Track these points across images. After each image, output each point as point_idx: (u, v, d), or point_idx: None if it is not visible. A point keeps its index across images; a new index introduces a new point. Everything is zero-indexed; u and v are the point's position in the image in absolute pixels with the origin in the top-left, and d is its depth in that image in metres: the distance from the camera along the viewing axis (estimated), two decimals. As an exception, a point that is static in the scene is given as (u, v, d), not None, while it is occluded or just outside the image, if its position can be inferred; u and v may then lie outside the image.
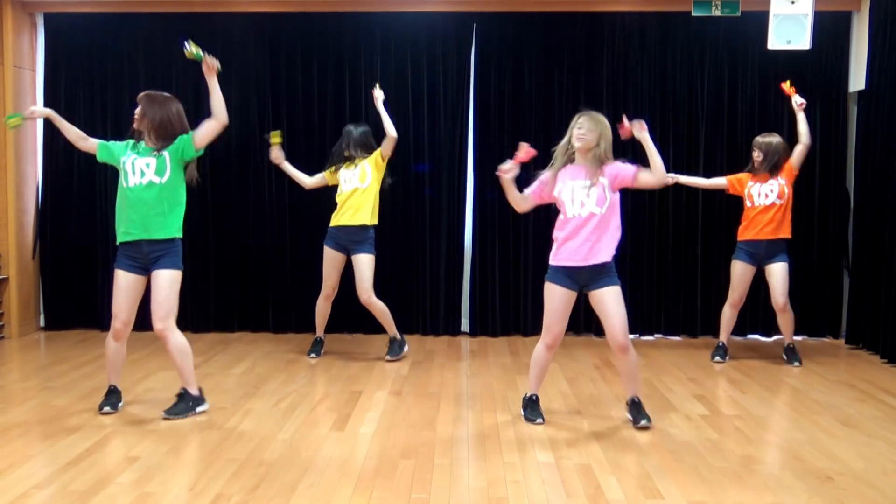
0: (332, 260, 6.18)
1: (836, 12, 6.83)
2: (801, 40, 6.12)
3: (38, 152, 7.26)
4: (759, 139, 6.09)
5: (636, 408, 4.55)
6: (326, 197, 7.08)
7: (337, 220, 6.14)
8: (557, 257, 4.44)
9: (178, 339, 4.64)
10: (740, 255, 6.10)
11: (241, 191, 7.14)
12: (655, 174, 4.33)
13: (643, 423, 4.48)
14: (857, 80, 6.81)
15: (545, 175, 4.48)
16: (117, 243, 4.66)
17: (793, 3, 6.08)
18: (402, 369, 5.93)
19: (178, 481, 3.72)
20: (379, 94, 6.21)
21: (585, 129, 4.36)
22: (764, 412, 4.89)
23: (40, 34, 7.20)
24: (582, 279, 4.41)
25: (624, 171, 4.35)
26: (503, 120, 7.06)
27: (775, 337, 6.90)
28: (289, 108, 7.11)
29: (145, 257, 4.58)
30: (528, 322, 7.12)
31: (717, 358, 6.20)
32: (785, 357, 6.16)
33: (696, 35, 6.98)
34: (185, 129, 4.66)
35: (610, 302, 4.36)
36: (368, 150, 6.15)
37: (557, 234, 4.46)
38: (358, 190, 6.07)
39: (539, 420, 4.57)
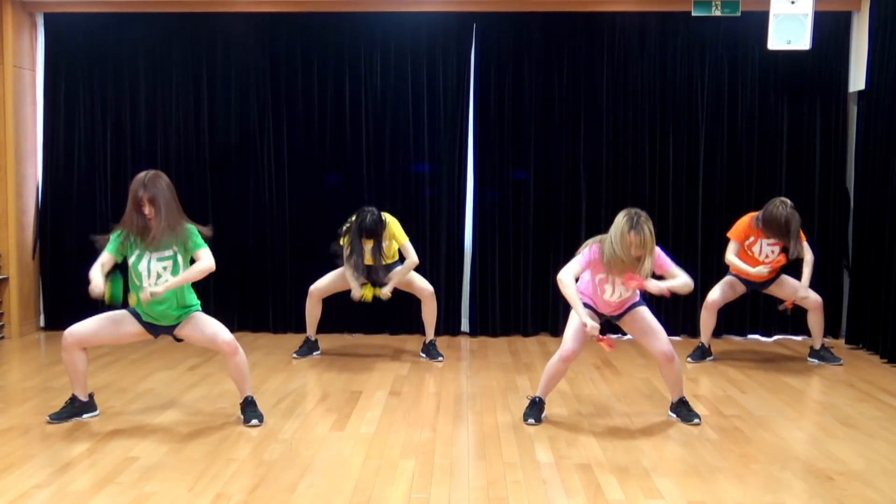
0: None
1: (836, 12, 6.83)
2: (801, 40, 6.13)
3: (38, 152, 7.25)
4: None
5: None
6: (326, 197, 7.10)
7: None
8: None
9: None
10: None
11: (241, 191, 7.14)
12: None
13: (695, 420, 4.62)
14: (857, 80, 6.81)
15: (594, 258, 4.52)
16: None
17: (793, 3, 6.09)
18: (401, 369, 5.92)
19: (178, 481, 3.72)
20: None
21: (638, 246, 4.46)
22: (764, 412, 4.89)
23: (40, 34, 7.19)
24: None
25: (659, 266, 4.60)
26: (503, 120, 7.06)
27: (776, 337, 6.90)
28: (289, 108, 7.11)
29: None
30: (527, 322, 7.12)
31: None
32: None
33: (696, 35, 6.97)
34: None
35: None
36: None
37: (582, 288, 4.66)
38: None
39: (531, 421, 4.61)
